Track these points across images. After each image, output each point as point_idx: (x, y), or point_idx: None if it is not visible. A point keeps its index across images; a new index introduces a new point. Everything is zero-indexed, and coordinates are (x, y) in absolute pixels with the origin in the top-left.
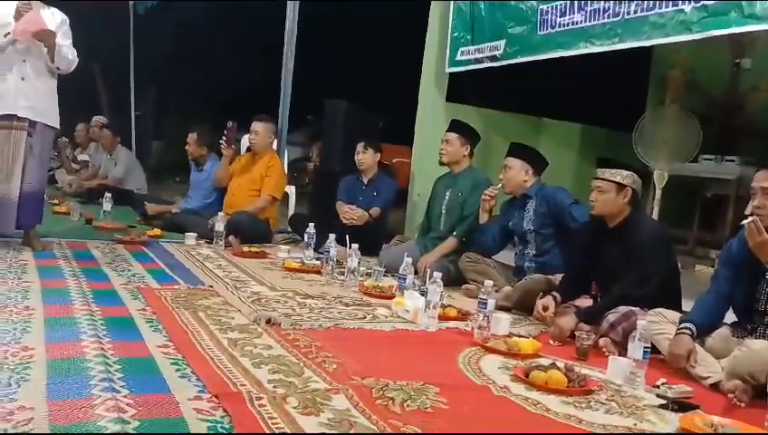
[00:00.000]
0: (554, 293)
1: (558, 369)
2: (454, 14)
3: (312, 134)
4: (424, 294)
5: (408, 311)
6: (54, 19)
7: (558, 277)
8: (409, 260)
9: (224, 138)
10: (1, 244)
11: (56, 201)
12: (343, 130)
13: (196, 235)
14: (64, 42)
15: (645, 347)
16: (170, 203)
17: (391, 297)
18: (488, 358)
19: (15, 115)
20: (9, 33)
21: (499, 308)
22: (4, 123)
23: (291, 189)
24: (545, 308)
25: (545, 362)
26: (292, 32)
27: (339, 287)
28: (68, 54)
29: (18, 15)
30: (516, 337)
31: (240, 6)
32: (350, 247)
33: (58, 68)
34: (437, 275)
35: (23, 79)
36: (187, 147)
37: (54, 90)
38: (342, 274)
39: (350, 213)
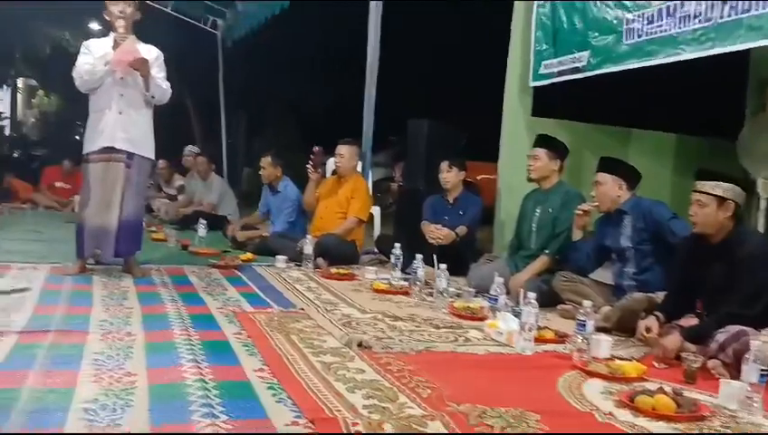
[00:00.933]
0: (657, 312)
1: (665, 393)
2: (536, 27)
3: (394, 154)
4: (518, 315)
5: (501, 333)
6: (150, 53)
7: (659, 296)
8: (501, 280)
9: (310, 162)
10: (103, 271)
11: (153, 228)
12: (426, 149)
13: (286, 257)
14: (159, 74)
15: (762, 370)
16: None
17: (483, 319)
18: (590, 382)
19: (114, 147)
20: (108, 62)
21: (598, 329)
22: (104, 156)
23: (376, 210)
24: (648, 329)
25: (651, 386)
26: (374, 53)
27: (428, 309)
28: (162, 84)
29: (115, 45)
30: (618, 360)
31: (323, 32)
32: (437, 268)
33: (153, 97)
34: (532, 295)
35: (120, 113)
36: (261, 171)
37: (150, 122)
38: (431, 295)
39: (437, 232)
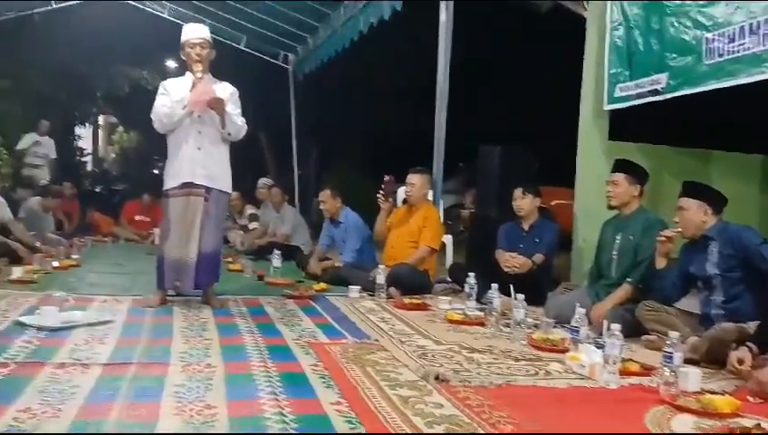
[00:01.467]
0: (749, 343)
1: (764, 430)
2: (610, 49)
3: (464, 181)
4: (601, 347)
5: (584, 366)
6: (225, 91)
7: (751, 326)
8: (582, 310)
9: (381, 191)
10: (182, 303)
11: (230, 259)
12: (499, 175)
13: (359, 288)
14: (234, 111)
15: None
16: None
17: (564, 351)
18: (679, 418)
19: (193, 183)
20: (186, 105)
21: (686, 361)
22: (183, 191)
23: (448, 239)
24: (741, 361)
25: (747, 422)
26: (444, 80)
27: (506, 340)
28: (237, 121)
29: (193, 87)
30: (709, 394)
31: (392, 62)
32: (515, 298)
33: (229, 134)
34: (615, 326)
35: (199, 149)
36: (321, 205)
37: (227, 157)
38: (508, 326)
39: (512, 261)
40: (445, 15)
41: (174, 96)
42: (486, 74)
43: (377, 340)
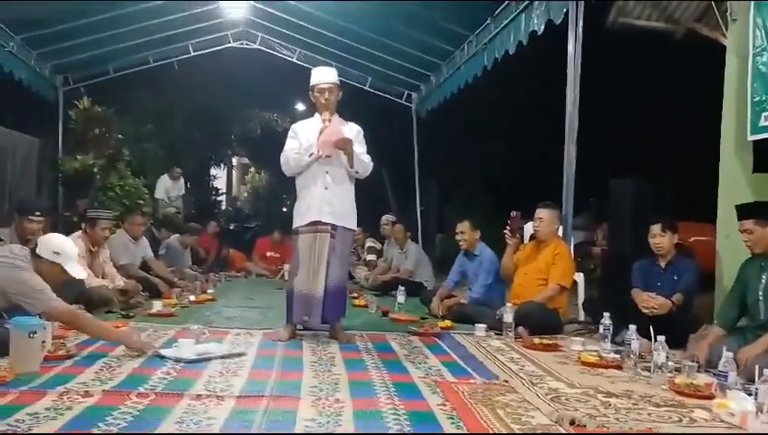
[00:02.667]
0: None
1: None
2: (753, 77)
3: (595, 216)
4: (751, 394)
5: (733, 414)
6: (351, 131)
7: None
8: (729, 354)
9: (507, 227)
10: (311, 337)
11: (355, 295)
12: (632, 210)
13: (485, 326)
14: (360, 149)
15: None
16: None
17: (710, 397)
18: None
19: (320, 221)
20: (313, 153)
21: None
22: (310, 228)
23: (579, 277)
24: None
25: None
26: (573, 111)
27: (645, 385)
28: (364, 159)
29: (320, 131)
30: None
31: (517, 93)
32: (654, 339)
33: (357, 172)
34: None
35: (326, 188)
36: (459, 236)
37: (352, 195)
38: (648, 369)
39: (651, 301)
40: (573, 47)
41: (302, 139)
42: (617, 105)
43: (506, 381)
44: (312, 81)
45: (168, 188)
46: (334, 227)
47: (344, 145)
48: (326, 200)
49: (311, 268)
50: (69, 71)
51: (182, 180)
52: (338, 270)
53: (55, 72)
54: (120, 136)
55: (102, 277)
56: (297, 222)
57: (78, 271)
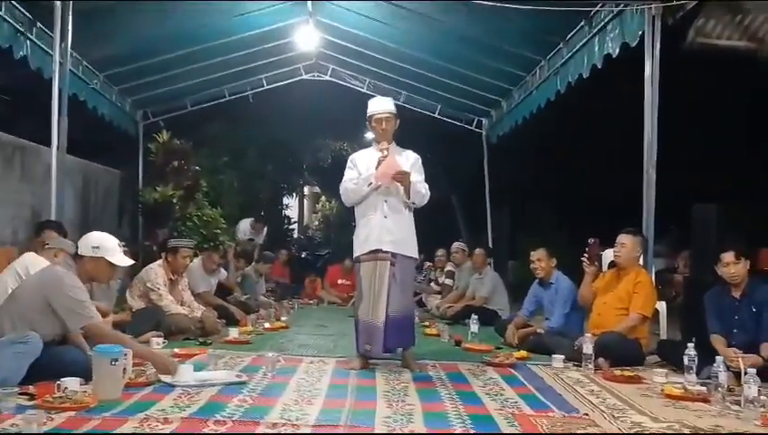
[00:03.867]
0: None
1: None
2: None
3: (675, 243)
4: None
5: None
6: (408, 160)
7: None
8: None
9: (585, 255)
10: (383, 365)
11: (426, 323)
12: (716, 236)
13: (563, 357)
14: (417, 178)
15: None
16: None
17: None
18: None
19: (380, 249)
20: (371, 182)
21: None
22: (370, 257)
23: (661, 306)
24: None
25: None
26: (651, 137)
27: (735, 420)
28: (421, 190)
29: (379, 163)
30: None
31: (592, 117)
32: (744, 373)
33: (413, 203)
34: None
35: (385, 217)
36: (536, 264)
37: (411, 223)
38: (737, 403)
39: (739, 360)
40: (650, 69)
41: (361, 169)
42: (697, 128)
43: (586, 414)
44: (369, 111)
45: (248, 234)
46: (394, 255)
47: (402, 178)
48: (386, 229)
49: (371, 297)
50: (148, 105)
51: (264, 230)
52: (400, 298)
53: (136, 107)
54: (197, 168)
55: (181, 305)
56: (358, 251)
57: (122, 259)
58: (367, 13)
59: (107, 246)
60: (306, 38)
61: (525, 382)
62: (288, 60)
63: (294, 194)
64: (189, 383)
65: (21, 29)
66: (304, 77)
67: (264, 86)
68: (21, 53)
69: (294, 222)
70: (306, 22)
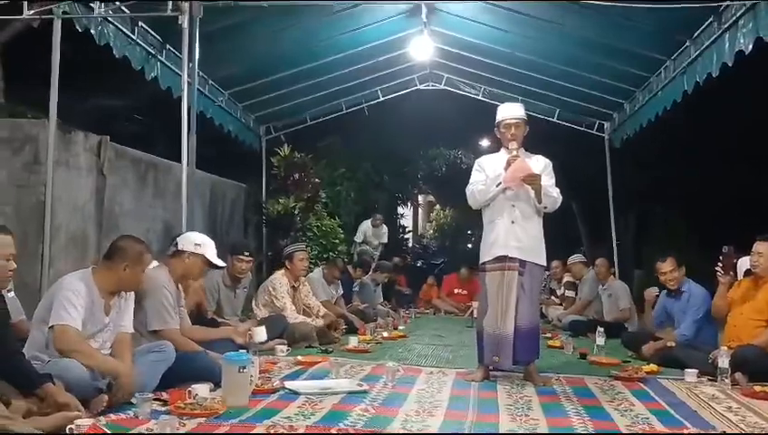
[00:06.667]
0: None
1: None
2: None
3: None
4: None
5: None
6: (538, 164)
7: None
8: None
9: (719, 264)
10: (504, 378)
11: (549, 335)
12: None
13: (696, 371)
14: (549, 182)
15: None
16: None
17: None
18: None
19: (507, 256)
20: (500, 183)
21: None
22: (497, 265)
23: None
24: None
25: None
26: None
27: None
28: (553, 193)
29: (507, 164)
30: None
31: (723, 117)
32: None
33: (545, 207)
34: None
35: (512, 222)
36: (668, 276)
37: (540, 230)
38: None
39: None
40: None
41: (489, 173)
42: None
43: (724, 432)
44: (499, 117)
45: (369, 235)
46: (522, 263)
47: (532, 180)
48: (513, 234)
49: (499, 307)
50: (270, 121)
51: (384, 228)
52: (528, 309)
53: (259, 123)
54: (316, 180)
55: (304, 313)
56: (483, 257)
57: (218, 260)
58: (481, 19)
59: (207, 244)
60: (421, 48)
61: (656, 398)
62: (403, 71)
63: (409, 203)
64: (313, 391)
65: (152, 51)
66: (419, 87)
67: (379, 98)
68: (152, 74)
69: (409, 231)
70: (420, 32)
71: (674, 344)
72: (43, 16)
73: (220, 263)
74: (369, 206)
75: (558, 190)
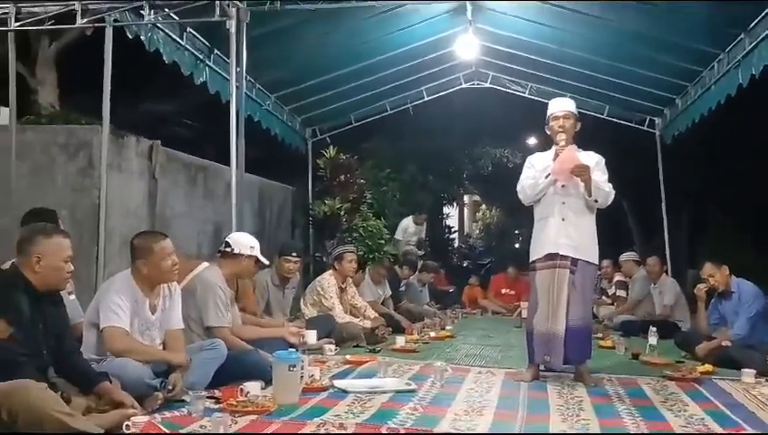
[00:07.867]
0: None
1: None
2: None
3: None
4: None
5: None
6: (590, 159)
7: None
8: None
9: None
10: (555, 378)
11: (600, 335)
12: None
13: (753, 371)
14: (600, 177)
15: None
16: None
17: None
18: None
19: (558, 254)
20: (549, 174)
21: None
22: (548, 263)
23: None
24: None
25: None
26: None
27: None
28: (604, 187)
29: (555, 156)
30: None
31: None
32: None
33: (596, 201)
34: None
35: (563, 219)
36: (712, 281)
37: (593, 227)
38: None
39: None
40: None
41: (539, 169)
42: None
43: None
44: (549, 111)
45: (410, 232)
46: (574, 261)
47: (581, 172)
48: (564, 232)
49: (550, 306)
50: (316, 123)
51: (425, 225)
52: (580, 308)
53: (305, 125)
54: (362, 181)
55: (351, 314)
56: (534, 255)
57: (264, 259)
58: (527, 16)
59: (257, 247)
60: (466, 47)
61: (712, 398)
62: (448, 70)
63: (455, 203)
64: (361, 390)
65: (200, 57)
66: (464, 86)
67: (424, 98)
68: (201, 79)
69: (455, 231)
70: (465, 30)
71: (729, 344)
72: (96, 25)
73: (266, 261)
74: (414, 206)
75: (610, 186)
